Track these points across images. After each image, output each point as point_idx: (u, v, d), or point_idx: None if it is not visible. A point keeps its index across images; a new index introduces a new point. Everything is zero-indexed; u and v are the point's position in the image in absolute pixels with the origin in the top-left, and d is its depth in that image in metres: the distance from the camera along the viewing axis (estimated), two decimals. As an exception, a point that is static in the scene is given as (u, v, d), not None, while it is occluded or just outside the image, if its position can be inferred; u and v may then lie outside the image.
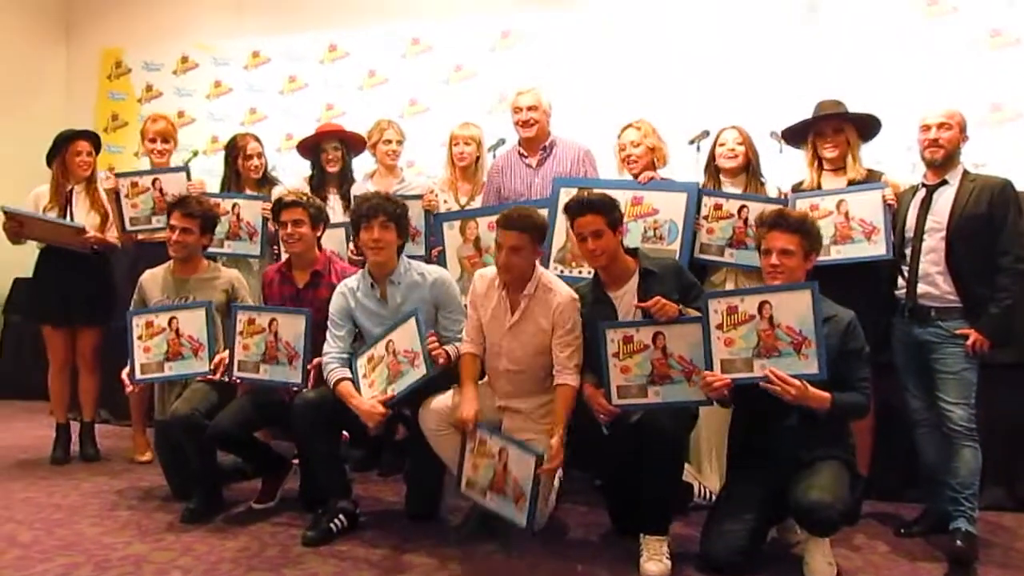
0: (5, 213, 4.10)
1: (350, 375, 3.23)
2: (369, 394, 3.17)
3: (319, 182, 4.33)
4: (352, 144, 4.43)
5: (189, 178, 4.24)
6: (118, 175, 4.29)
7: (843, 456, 2.88)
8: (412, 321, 3.14)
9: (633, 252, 3.19)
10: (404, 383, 3.12)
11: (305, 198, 3.55)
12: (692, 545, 2.98)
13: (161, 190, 4.20)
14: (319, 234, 3.58)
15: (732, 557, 2.79)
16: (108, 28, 6.94)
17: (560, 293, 3.13)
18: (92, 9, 7.04)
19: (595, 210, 3.02)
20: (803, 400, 2.70)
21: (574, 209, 3.07)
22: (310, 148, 4.41)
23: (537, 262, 3.19)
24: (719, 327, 2.82)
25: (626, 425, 3.01)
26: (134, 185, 4.22)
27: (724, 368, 2.79)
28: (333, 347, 3.31)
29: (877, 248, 3.33)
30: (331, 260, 3.63)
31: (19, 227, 4.06)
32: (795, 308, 2.74)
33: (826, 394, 2.71)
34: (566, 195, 3.63)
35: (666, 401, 2.91)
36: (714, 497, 3.29)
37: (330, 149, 4.31)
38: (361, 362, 3.27)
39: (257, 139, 4.41)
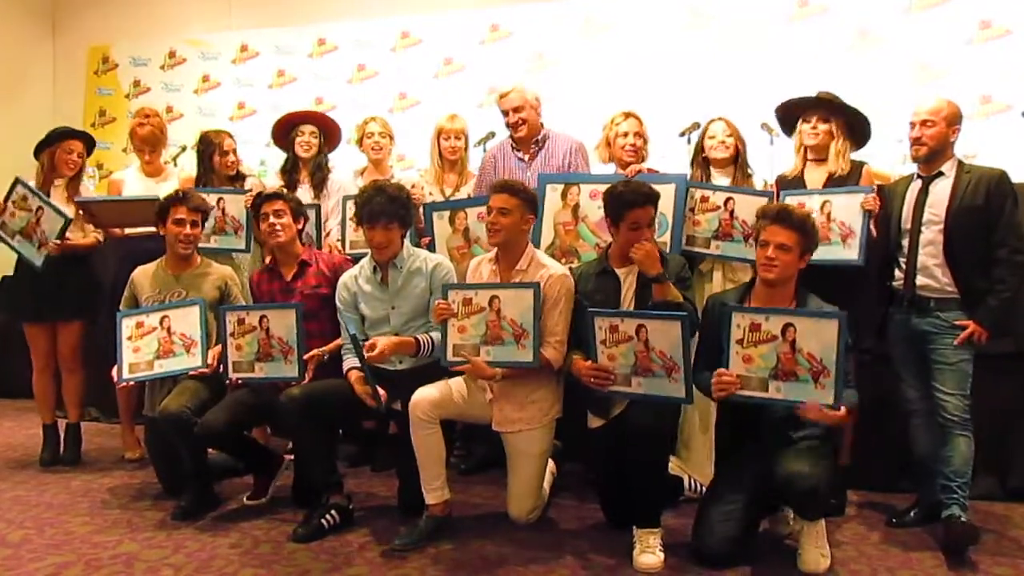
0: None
1: (358, 364, 3.22)
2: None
3: (292, 167, 4.32)
4: (329, 133, 4.40)
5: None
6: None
7: (830, 440, 2.91)
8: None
9: None
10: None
11: (284, 191, 3.56)
12: (685, 537, 2.98)
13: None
14: (300, 227, 3.58)
15: (723, 547, 2.81)
16: (95, 23, 6.88)
17: (552, 267, 3.19)
18: (78, 4, 6.97)
19: (653, 203, 3.08)
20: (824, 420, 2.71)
21: (630, 200, 3.04)
22: (284, 133, 4.38)
23: (531, 244, 3.24)
24: (739, 342, 2.79)
25: (612, 418, 3.06)
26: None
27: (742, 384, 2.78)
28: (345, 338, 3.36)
29: (850, 252, 3.30)
30: (315, 251, 3.64)
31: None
32: (821, 336, 2.70)
33: (843, 414, 2.68)
34: (552, 191, 3.64)
35: (649, 393, 2.92)
36: (704, 489, 3.29)
37: (306, 132, 4.30)
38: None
39: (231, 136, 4.39)
